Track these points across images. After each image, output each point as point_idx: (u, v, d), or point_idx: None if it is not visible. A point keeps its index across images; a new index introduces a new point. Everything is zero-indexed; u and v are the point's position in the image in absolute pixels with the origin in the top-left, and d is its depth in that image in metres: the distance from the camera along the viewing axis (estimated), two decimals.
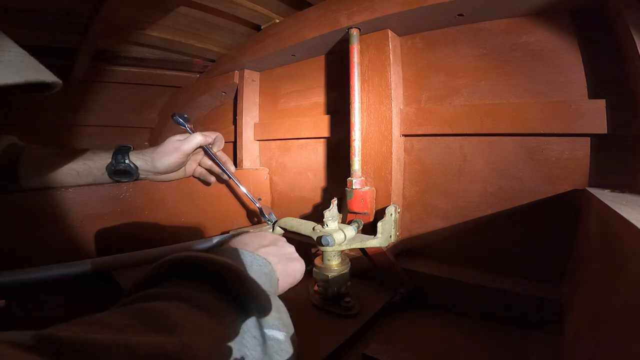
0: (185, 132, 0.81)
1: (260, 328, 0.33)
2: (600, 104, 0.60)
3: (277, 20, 1.04)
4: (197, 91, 1.42)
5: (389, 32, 0.81)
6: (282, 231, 0.79)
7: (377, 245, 0.69)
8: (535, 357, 0.55)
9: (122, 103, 1.54)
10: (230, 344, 0.29)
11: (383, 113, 0.81)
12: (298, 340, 0.38)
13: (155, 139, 1.66)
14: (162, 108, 1.65)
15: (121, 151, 0.74)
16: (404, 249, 0.86)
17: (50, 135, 1.45)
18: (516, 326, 0.64)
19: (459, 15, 0.72)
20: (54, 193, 0.67)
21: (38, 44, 1.06)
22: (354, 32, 0.82)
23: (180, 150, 0.75)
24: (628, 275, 0.31)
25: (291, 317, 0.39)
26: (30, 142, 0.72)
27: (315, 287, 0.71)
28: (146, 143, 1.73)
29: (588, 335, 0.39)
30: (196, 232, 0.92)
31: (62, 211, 0.68)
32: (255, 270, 0.38)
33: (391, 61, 0.80)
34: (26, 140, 0.72)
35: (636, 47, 0.52)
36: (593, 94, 0.63)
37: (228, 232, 0.82)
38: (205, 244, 0.75)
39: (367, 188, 0.82)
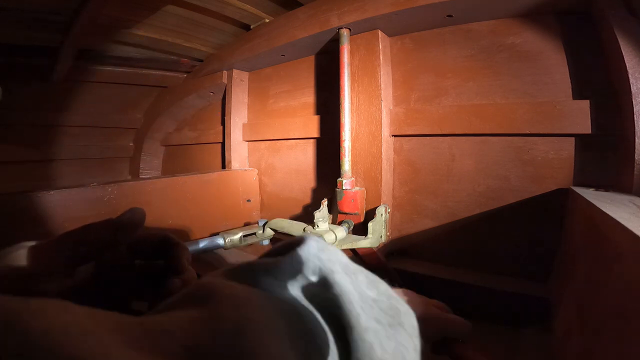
0: None
1: None
2: (585, 104, 0.61)
3: (267, 20, 1.03)
4: (184, 91, 1.40)
5: (379, 32, 0.81)
6: (273, 232, 0.78)
7: (368, 245, 0.69)
8: (526, 355, 0.55)
9: (107, 103, 1.50)
10: None
11: (373, 113, 0.81)
12: None
13: (141, 140, 1.63)
14: (147, 108, 1.62)
15: None
16: (394, 248, 0.86)
17: (32, 136, 1.40)
18: (506, 324, 0.64)
19: (448, 16, 0.72)
20: (34, 196, 0.65)
21: (18, 43, 1.03)
22: (345, 33, 0.81)
23: None
24: (615, 274, 0.32)
25: None
26: (10, 143, 0.69)
27: None
28: (131, 144, 1.70)
29: (577, 332, 0.39)
30: (184, 235, 0.90)
31: (43, 214, 0.66)
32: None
33: (381, 61, 0.81)
34: (6, 140, 0.70)
35: (620, 48, 0.53)
36: (577, 94, 0.64)
37: (217, 234, 0.80)
38: (192, 247, 0.74)
39: (357, 188, 0.82)
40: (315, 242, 0.22)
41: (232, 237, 0.77)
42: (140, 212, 0.28)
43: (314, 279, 0.20)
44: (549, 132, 0.65)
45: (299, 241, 0.22)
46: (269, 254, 0.23)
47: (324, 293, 0.20)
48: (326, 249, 0.22)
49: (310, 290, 0.20)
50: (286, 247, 0.22)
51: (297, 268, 0.20)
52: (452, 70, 0.78)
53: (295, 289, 0.20)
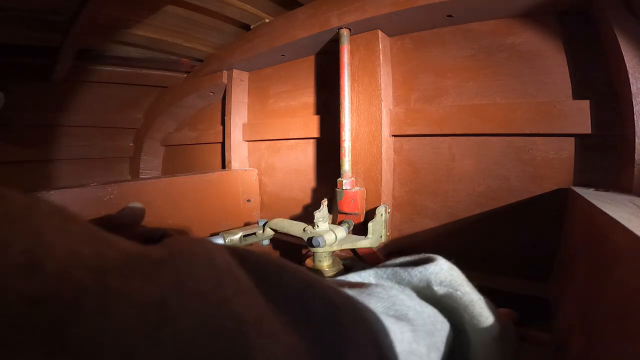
0: None
1: None
2: (585, 104, 0.61)
3: (267, 20, 1.03)
4: (184, 91, 1.40)
5: (379, 32, 0.81)
6: (273, 232, 0.78)
7: (368, 245, 0.69)
8: (526, 355, 0.55)
9: (107, 103, 1.50)
10: None
11: (373, 113, 0.81)
12: None
13: (141, 140, 1.63)
14: (147, 108, 1.62)
15: None
16: (394, 249, 0.86)
17: (32, 136, 1.40)
18: None
19: (448, 16, 0.72)
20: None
21: (18, 43, 1.03)
22: (345, 33, 0.81)
23: None
24: (616, 274, 0.32)
25: None
26: (10, 143, 0.69)
27: None
28: (131, 144, 1.70)
29: (577, 332, 0.39)
30: (184, 235, 0.90)
31: None
32: None
33: (381, 61, 0.81)
34: (6, 140, 0.70)
35: (620, 48, 0.53)
36: (577, 94, 0.64)
37: (217, 234, 0.80)
38: None
39: (357, 188, 0.82)
40: (446, 262, 0.29)
41: (232, 237, 0.77)
42: (139, 209, 0.28)
43: (439, 289, 0.28)
44: (549, 132, 0.65)
45: (431, 258, 0.29)
46: (405, 263, 0.30)
47: (445, 299, 0.28)
48: (454, 267, 0.29)
49: (426, 296, 0.28)
50: (422, 259, 0.29)
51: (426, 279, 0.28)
52: (452, 70, 0.78)
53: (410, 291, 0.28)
